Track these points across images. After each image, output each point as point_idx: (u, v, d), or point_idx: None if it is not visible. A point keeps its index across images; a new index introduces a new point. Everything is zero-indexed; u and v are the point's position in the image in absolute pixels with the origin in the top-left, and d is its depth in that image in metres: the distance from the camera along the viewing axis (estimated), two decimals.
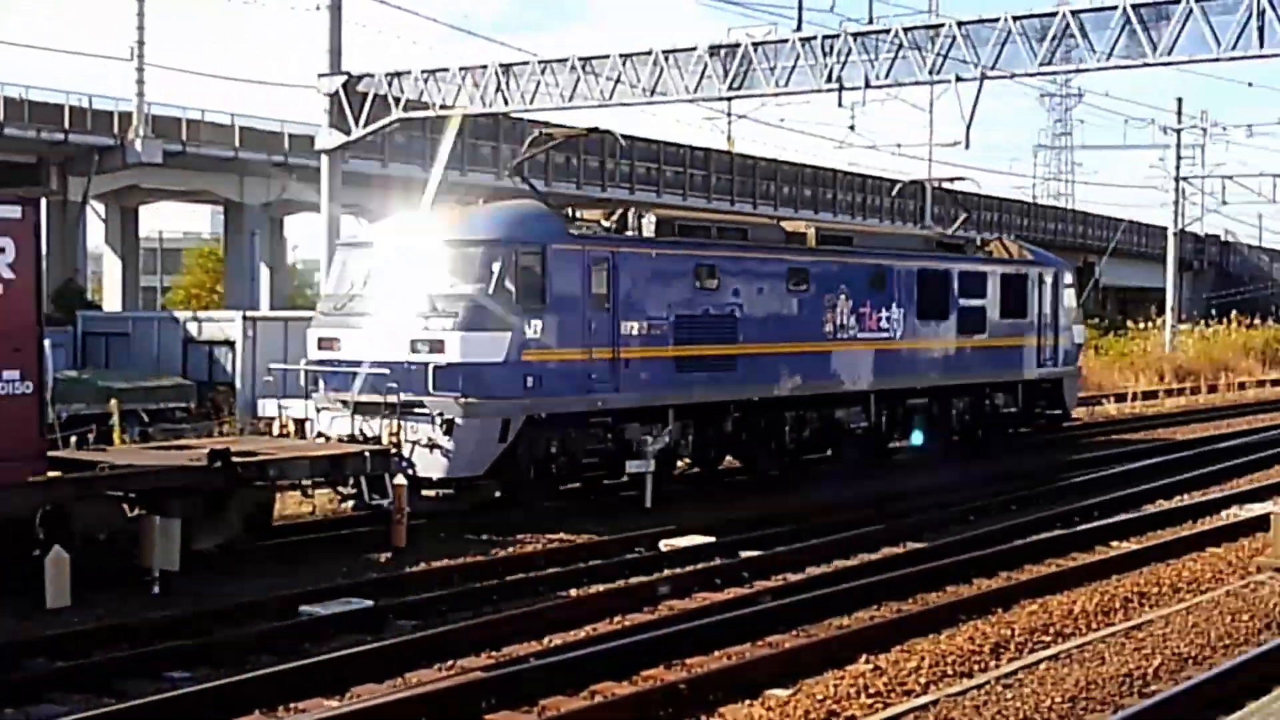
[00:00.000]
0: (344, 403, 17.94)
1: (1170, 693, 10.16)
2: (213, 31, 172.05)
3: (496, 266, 17.55)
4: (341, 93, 28.70)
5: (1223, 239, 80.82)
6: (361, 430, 17.70)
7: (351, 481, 16.70)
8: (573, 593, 14.35)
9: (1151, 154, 52.76)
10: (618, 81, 26.37)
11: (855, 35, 24.43)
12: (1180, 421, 33.90)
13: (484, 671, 11.22)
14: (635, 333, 18.86)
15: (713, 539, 16.92)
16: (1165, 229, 49.89)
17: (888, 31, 24.24)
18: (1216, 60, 22.25)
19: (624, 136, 45.67)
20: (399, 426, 17.28)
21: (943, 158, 61.45)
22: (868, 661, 11.52)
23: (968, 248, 26.52)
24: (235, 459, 15.02)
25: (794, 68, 24.89)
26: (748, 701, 10.60)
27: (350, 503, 17.57)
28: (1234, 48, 21.87)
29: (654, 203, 46.66)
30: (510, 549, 16.51)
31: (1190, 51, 22.35)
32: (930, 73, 24.16)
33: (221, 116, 41.61)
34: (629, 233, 19.54)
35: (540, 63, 27.27)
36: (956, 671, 11.25)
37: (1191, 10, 22.03)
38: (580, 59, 26.72)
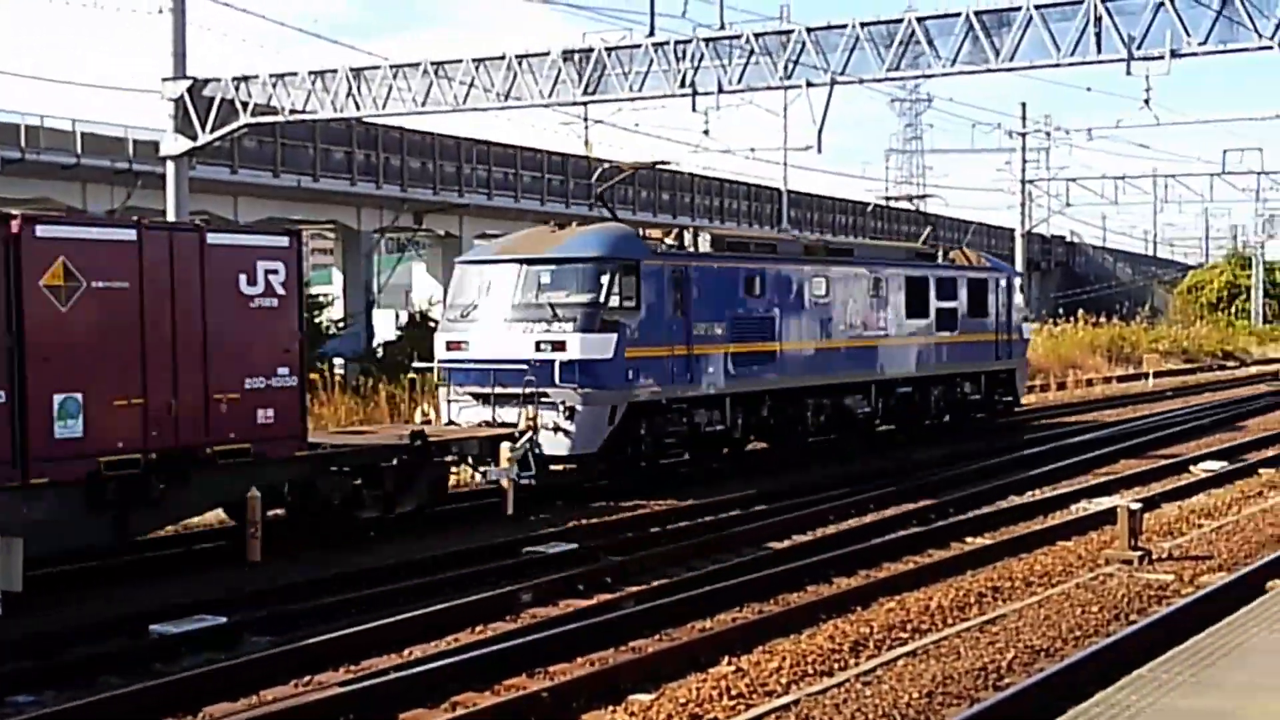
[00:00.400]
0: (474, 395, 21.27)
1: (1023, 685, 10.35)
2: (53, 35, 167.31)
3: (605, 279, 21.11)
4: (187, 97, 28.10)
5: (1068, 240, 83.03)
6: (495, 417, 20.76)
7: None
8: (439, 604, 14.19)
9: (998, 158, 53.90)
10: (471, 86, 26.22)
11: (707, 41, 24.61)
12: (1031, 417, 34.65)
13: (341, 686, 11.03)
14: (703, 333, 22.50)
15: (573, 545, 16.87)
16: (1013, 230, 51.01)
17: (739, 37, 24.45)
18: (1057, 66, 22.85)
19: (478, 142, 45.51)
20: (535, 413, 20.45)
21: (796, 162, 62.18)
22: (730, 663, 11.56)
23: (938, 257, 30.39)
24: (429, 439, 18.61)
25: (648, 72, 25.01)
26: (611, 708, 10.57)
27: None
28: (1073, 53, 22.48)
29: (514, 208, 46.47)
30: (366, 559, 16.29)
31: (1031, 57, 22.92)
32: (782, 78, 24.43)
33: (62, 122, 40.39)
34: (689, 249, 22.79)
35: (392, 67, 27.00)
36: (817, 670, 11.35)
37: (1032, 17, 22.60)
38: (433, 63, 26.52)
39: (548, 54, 25.77)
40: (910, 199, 52.18)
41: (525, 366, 20.75)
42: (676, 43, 24.73)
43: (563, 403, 20.65)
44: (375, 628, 12.71)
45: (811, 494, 21.32)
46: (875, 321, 26.72)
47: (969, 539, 17.91)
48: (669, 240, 22.72)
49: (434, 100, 26.59)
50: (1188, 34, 21.88)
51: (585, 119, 55.59)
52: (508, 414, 20.76)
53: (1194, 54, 21.99)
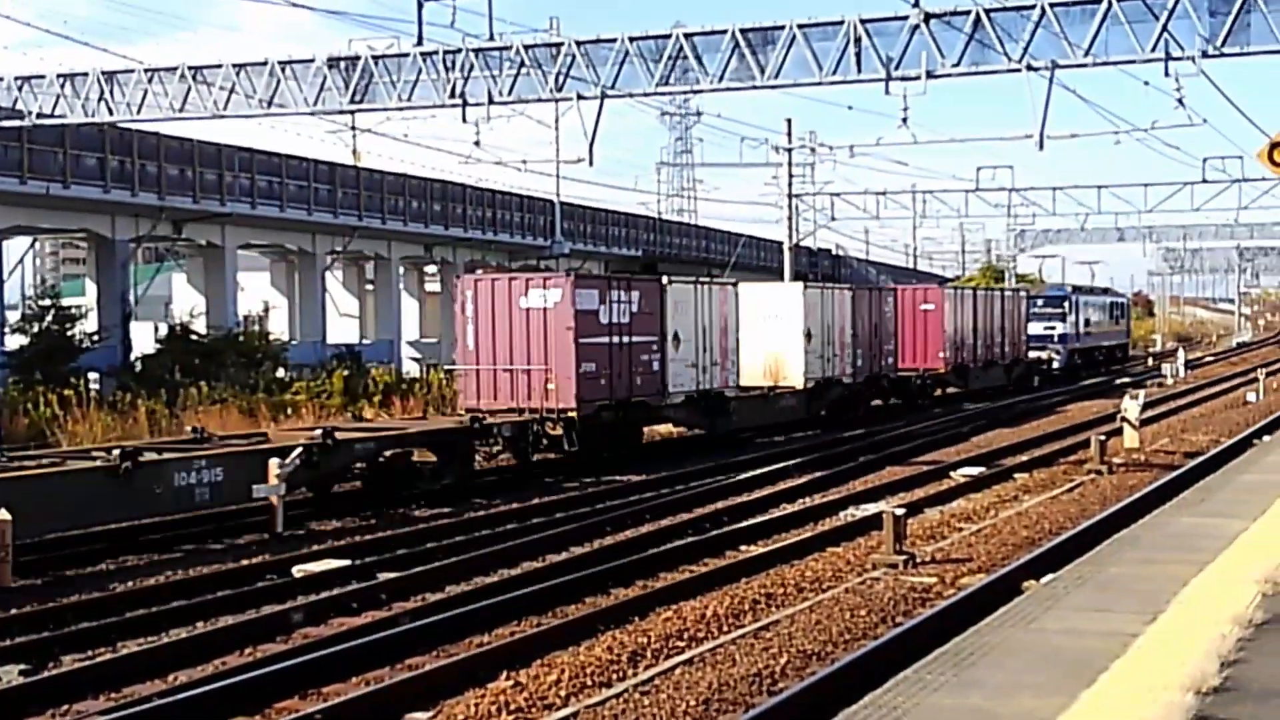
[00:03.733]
0: None
1: (796, 689, 10.54)
2: None
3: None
4: None
5: (834, 252, 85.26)
6: None
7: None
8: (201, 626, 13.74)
9: (766, 172, 55.00)
10: (232, 92, 25.56)
11: (477, 51, 24.52)
12: (802, 426, 35.29)
13: (101, 715, 10.57)
14: None
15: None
16: (781, 243, 52.12)
17: (509, 48, 24.44)
18: (819, 84, 23.48)
19: (241, 149, 44.33)
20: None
21: (570, 174, 62.38)
22: (508, 678, 11.46)
23: (1108, 291, 63.09)
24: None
25: (416, 82, 24.80)
26: None
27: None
28: (834, 72, 23.14)
29: (279, 218, 45.45)
30: (131, 583, 15.71)
31: (795, 75, 23.51)
32: (552, 90, 24.49)
33: None
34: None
35: (147, 71, 26.16)
36: (596, 682, 11.35)
37: (795, 36, 23.16)
38: (190, 68, 25.77)
39: (312, 61, 25.31)
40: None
41: None
42: (445, 52, 24.57)
43: None
44: (137, 653, 12.25)
45: (586, 505, 21.38)
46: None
47: (744, 547, 18.19)
48: None
49: (192, 106, 25.86)
50: (942, 56, 22.74)
51: (353, 128, 54.75)
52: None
53: (948, 75, 22.87)
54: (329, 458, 20.32)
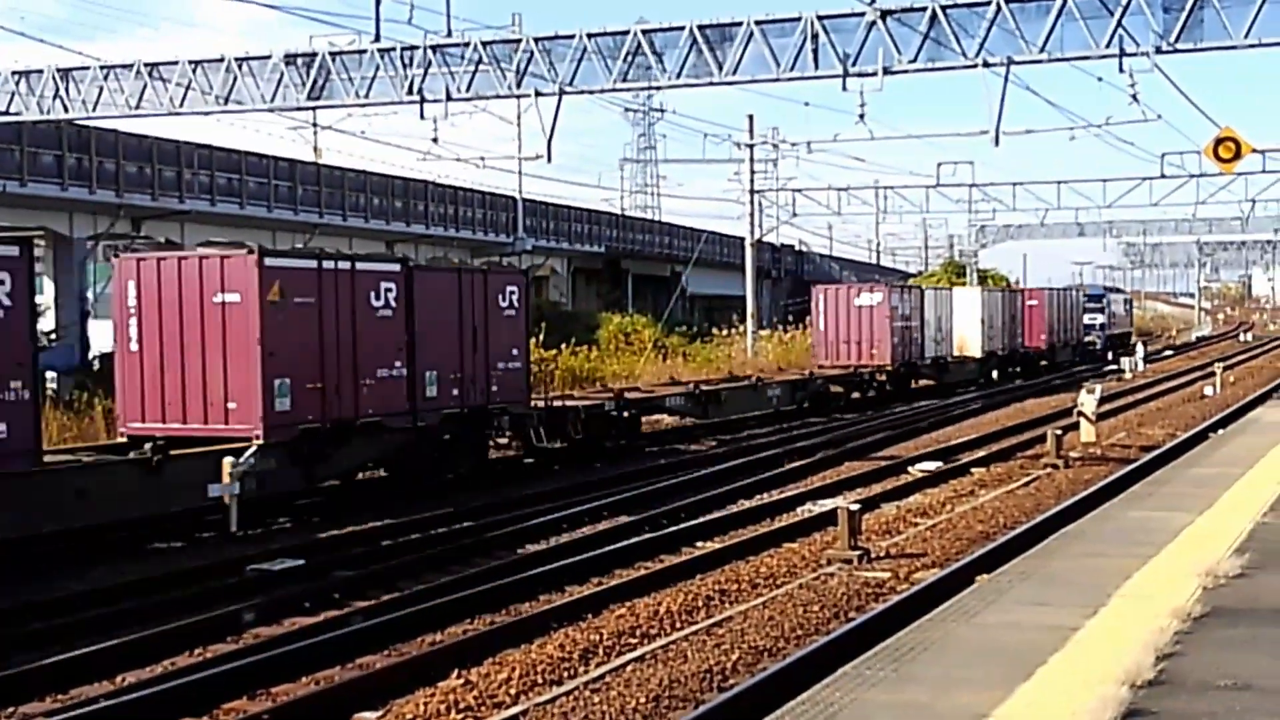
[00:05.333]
0: None
1: (746, 685, 10.58)
2: None
3: None
4: None
5: (797, 248, 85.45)
6: None
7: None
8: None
9: (729, 168, 55.09)
10: (189, 88, 25.43)
11: (434, 48, 24.48)
12: (767, 421, 35.46)
13: (47, 717, 10.52)
14: None
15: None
16: (744, 239, 52.21)
17: (467, 45, 24.39)
18: (777, 80, 23.54)
19: (200, 146, 44.08)
20: None
21: (532, 170, 62.31)
22: (459, 676, 11.46)
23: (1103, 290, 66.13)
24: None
25: (374, 78, 24.72)
26: None
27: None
28: (793, 68, 23.21)
29: (239, 215, 45.23)
30: (83, 583, 15.62)
31: (754, 71, 23.56)
32: (511, 87, 24.46)
33: None
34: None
35: (103, 68, 26.01)
36: (547, 680, 11.35)
37: (753, 32, 23.21)
38: (146, 64, 25.64)
39: (269, 57, 25.21)
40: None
41: None
42: (403, 49, 24.51)
43: None
44: (85, 654, 12.17)
45: (546, 502, 21.37)
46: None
47: (700, 543, 18.21)
48: None
49: (149, 103, 25.73)
50: (899, 52, 22.83)
51: (314, 124, 54.49)
52: None
53: (905, 71, 22.96)
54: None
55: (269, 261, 19.43)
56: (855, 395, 40.51)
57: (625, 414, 28.04)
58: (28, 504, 16.31)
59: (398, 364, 21.45)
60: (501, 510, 20.69)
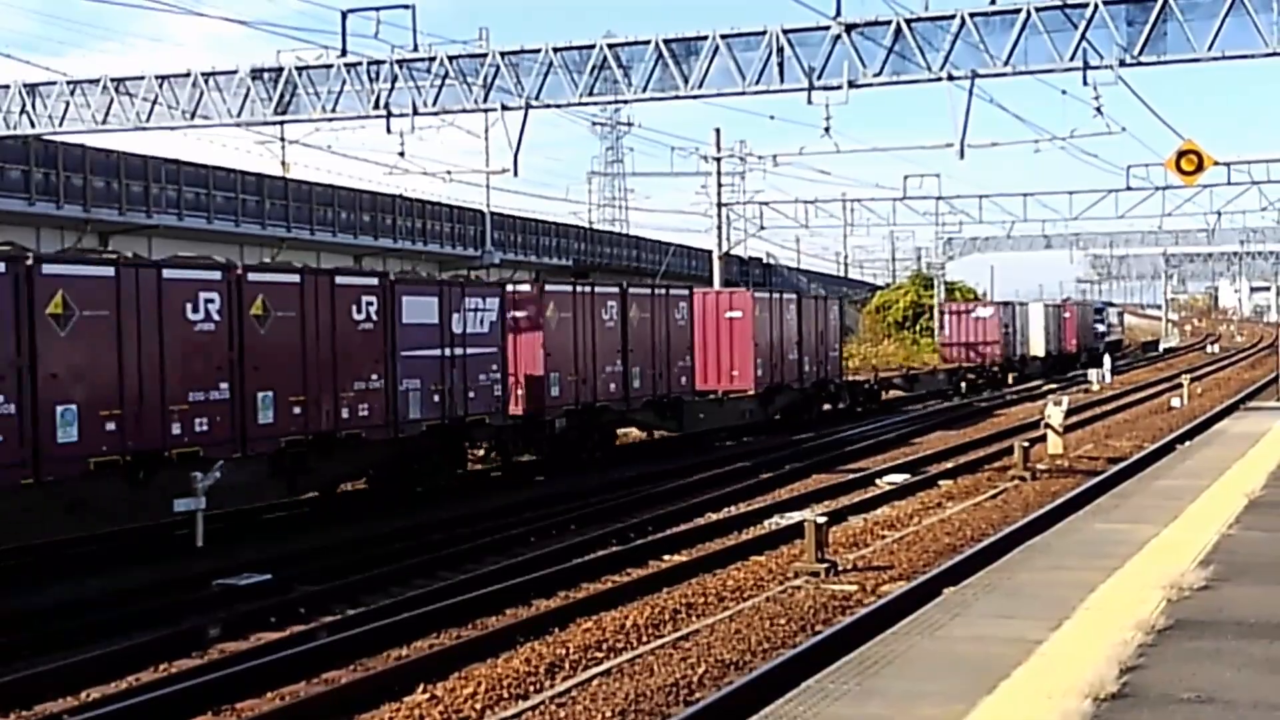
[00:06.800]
0: None
1: (711, 699, 10.58)
2: None
3: None
4: None
5: (765, 261, 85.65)
6: None
7: None
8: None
9: (697, 181, 55.27)
10: (155, 103, 25.33)
11: (401, 62, 24.45)
12: (748, 433, 35.44)
13: None
14: None
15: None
16: (712, 252, 52.29)
17: (434, 59, 24.37)
18: (743, 94, 23.60)
19: (168, 161, 43.91)
20: None
21: (500, 184, 62.28)
22: (425, 691, 11.43)
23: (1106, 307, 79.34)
24: None
25: (341, 93, 24.67)
26: None
27: None
28: (758, 82, 23.27)
29: (207, 230, 45.04)
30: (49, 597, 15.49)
31: (720, 85, 23.62)
32: (477, 101, 24.45)
33: None
34: None
35: (70, 83, 25.88)
36: (512, 694, 11.33)
37: (718, 46, 23.27)
38: (113, 79, 25.53)
39: (236, 72, 25.14)
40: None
41: None
42: (370, 64, 24.47)
43: None
44: (48, 670, 12.07)
45: (511, 515, 21.33)
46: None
47: (666, 557, 18.20)
48: None
49: (116, 118, 25.61)
50: (864, 65, 22.92)
51: (282, 139, 54.29)
52: None
53: (870, 84, 23.05)
54: None
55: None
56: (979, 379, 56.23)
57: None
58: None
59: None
60: (468, 523, 20.66)
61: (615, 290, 28.04)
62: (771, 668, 11.33)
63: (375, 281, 21.47)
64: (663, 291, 30.29)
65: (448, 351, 22.52)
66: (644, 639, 13.23)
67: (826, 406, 39.66)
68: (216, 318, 18.47)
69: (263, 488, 19.84)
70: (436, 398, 22.41)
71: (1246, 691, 7.51)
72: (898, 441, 33.27)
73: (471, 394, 23.18)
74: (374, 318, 21.05)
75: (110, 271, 17.36)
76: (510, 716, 10.61)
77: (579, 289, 26.73)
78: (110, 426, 17.04)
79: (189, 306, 18.17)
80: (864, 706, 7.26)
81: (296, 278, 20.22)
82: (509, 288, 25.03)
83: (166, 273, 18.08)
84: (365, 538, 19.50)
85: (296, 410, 19.69)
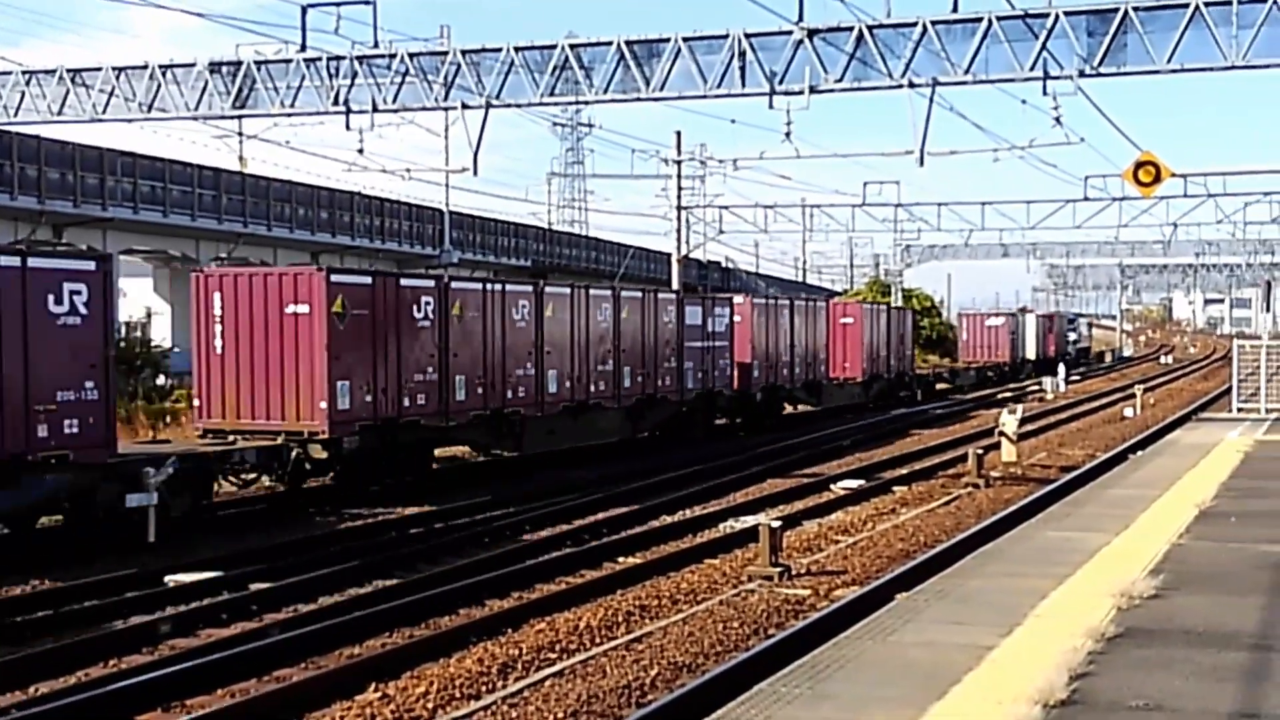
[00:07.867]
0: None
1: (663, 701, 10.58)
2: None
3: None
4: None
5: (724, 265, 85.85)
6: None
7: None
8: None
9: (658, 184, 55.24)
10: (111, 95, 25.12)
11: (361, 59, 24.35)
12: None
13: None
14: None
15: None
16: (671, 255, 52.34)
17: (394, 56, 24.28)
18: (704, 97, 23.64)
19: (123, 153, 43.56)
20: None
21: (459, 183, 62.14)
22: (376, 690, 11.37)
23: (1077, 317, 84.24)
24: None
25: (300, 88, 24.54)
26: None
27: None
28: (719, 85, 23.31)
29: (163, 223, 44.70)
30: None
31: (681, 88, 23.65)
32: (438, 99, 24.37)
33: None
34: None
35: (25, 73, 25.62)
36: (464, 694, 11.29)
37: (680, 49, 23.30)
38: (69, 70, 25.31)
39: (194, 65, 24.96)
40: None
41: None
42: (329, 59, 24.36)
43: None
44: None
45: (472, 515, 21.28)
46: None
47: (621, 559, 18.19)
48: None
49: (71, 109, 25.38)
50: (825, 71, 23.01)
51: (240, 133, 54.01)
52: None
53: (831, 90, 23.14)
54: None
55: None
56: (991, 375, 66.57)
57: None
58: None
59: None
60: (424, 521, 20.60)
61: (786, 303, 40.86)
62: (724, 670, 11.35)
63: (672, 295, 33.31)
64: (786, 301, 41.34)
65: (705, 344, 33.74)
66: (598, 640, 13.21)
67: (904, 393, 50.64)
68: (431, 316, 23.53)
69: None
70: (700, 374, 33.66)
71: (1194, 700, 7.58)
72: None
73: (715, 373, 34.47)
74: (671, 321, 31.97)
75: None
76: (462, 716, 10.58)
77: (777, 302, 40.85)
78: None
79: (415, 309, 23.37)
80: (816, 710, 7.27)
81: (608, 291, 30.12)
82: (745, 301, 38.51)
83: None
84: (321, 535, 19.41)
85: (639, 378, 30.64)
